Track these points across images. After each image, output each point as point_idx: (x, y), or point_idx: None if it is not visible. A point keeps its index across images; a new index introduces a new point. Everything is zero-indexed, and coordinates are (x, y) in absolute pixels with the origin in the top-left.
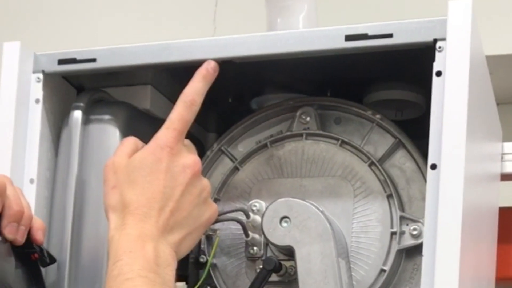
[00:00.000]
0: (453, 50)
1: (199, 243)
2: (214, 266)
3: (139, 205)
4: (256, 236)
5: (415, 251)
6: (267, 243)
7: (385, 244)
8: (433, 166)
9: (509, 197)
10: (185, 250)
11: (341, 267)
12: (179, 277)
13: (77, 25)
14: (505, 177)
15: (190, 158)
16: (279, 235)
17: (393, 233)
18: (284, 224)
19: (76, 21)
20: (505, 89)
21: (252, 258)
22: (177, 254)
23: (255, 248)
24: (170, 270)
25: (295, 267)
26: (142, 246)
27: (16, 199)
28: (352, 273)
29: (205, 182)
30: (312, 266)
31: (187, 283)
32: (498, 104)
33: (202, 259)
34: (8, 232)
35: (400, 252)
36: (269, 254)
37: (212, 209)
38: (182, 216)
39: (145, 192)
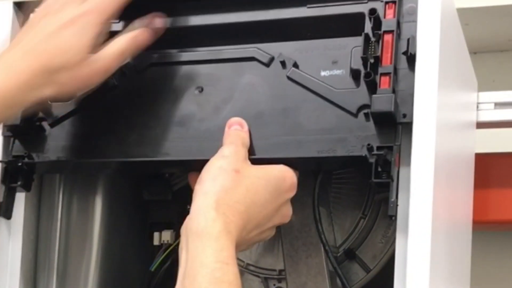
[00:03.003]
0: (424, 13)
1: None
2: None
3: None
4: None
5: None
6: None
7: (364, 193)
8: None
9: (485, 144)
10: None
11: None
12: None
13: None
14: (481, 125)
15: None
16: None
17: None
18: None
19: None
20: (481, 39)
21: None
22: None
23: None
24: None
25: None
26: None
27: None
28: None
29: None
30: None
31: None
32: (475, 53)
33: None
34: None
35: (379, 201)
36: None
37: None
38: None
39: None
